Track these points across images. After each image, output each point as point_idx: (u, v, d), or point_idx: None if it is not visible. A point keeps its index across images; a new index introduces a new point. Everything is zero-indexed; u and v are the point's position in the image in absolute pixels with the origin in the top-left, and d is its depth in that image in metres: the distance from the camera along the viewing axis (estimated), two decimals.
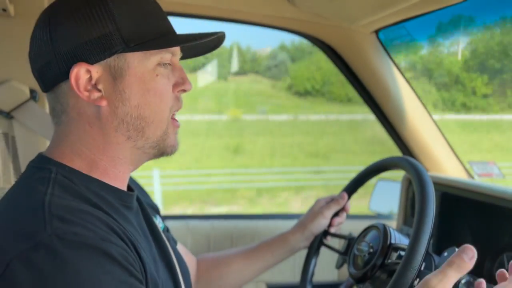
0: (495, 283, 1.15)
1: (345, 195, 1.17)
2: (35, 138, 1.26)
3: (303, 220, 1.17)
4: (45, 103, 1.26)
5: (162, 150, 0.78)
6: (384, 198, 1.86)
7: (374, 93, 1.54)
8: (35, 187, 0.67)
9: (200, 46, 0.81)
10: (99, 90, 0.71)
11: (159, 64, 0.74)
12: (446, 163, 1.58)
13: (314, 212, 1.16)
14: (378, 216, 1.82)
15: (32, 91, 1.23)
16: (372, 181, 1.22)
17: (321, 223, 1.15)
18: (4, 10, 1.13)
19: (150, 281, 0.69)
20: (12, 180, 1.26)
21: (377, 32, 1.43)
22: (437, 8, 1.19)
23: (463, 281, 0.92)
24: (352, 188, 1.16)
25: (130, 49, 0.70)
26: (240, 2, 1.34)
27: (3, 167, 1.25)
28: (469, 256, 0.70)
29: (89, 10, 0.69)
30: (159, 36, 0.73)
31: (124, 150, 0.75)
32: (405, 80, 1.51)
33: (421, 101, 1.55)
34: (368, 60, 1.46)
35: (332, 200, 1.17)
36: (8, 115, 1.22)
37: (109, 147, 0.74)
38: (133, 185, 0.85)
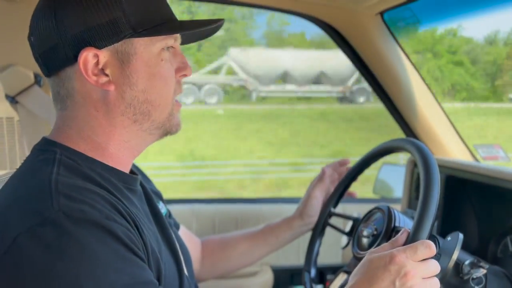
0: (500, 265, 1.16)
1: (325, 170, 1.19)
2: (39, 122, 1.27)
3: (299, 206, 1.19)
4: (49, 88, 1.27)
5: (168, 130, 0.80)
6: (388, 181, 1.87)
7: (379, 76, 1.53)
8: (40, 167, 0.69)
9: (199, 32, 0.82)
10: (107, 75, 0.72)
11: (163, 49, 0.75)
12: (451, 147, 1.57)
13: (306, 197, 1.18)
14: (383, 199, 1.83)
15: (36, 76, 1.24)
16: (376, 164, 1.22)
17: (313, 205, 1.16)
18: None
19: (152, 260, 0.70)
20: (18, 163, 1.27)
21: (382, 13, 1.41)
22: None
23: (466, 262, 0.92)
24: (357, 169, 1.16)
25: (138, 35, 0.72)
26: None
27: (9, 150, 1.26)
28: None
29: None
30: (164, 22, 0.74)
31: (130, 133, 0.76)
32: (411, 63, 1.50)
33: (426, 84, 1.54)
34: (373, 43, 1.44)
35: (318, 179, 1.19)
36: (13, 100, 1.23)
37: (115, 131, 0.75)
38: (136, 171, 0.86)
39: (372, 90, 1.60)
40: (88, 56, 0.70)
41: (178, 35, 0.78)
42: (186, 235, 1.12)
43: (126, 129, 0.76)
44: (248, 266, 1.23)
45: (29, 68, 1.23)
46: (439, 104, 1.56)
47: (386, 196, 1.85)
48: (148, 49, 0.73)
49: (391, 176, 1.85)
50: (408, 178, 1.53)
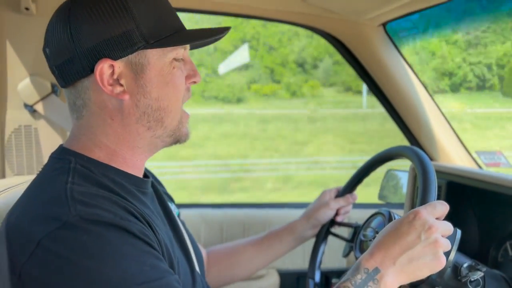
0: (500, 270, 1.18)
1: (355, 196, 1.21)
2: (56, 129, 1.33)
3: (310, 210, 1.21)
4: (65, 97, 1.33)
5: (178, 138, 0.83)
6: (393, 187, 1.89)
7: (382, 85, 1.57)
8: (56, 176, 0.72)
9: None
10: (121, 85, 0.75)
11: (174, 58, 0.78)
12: (453, 153, 1.60)
13: (321, 203, 1.20)
14: (387, 205, 1.86)
15: (53, 86, 1.30)
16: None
17: (327, 214, 1.19)
18: (27, 9, 1.19)
19: (166, 257, 0.74)
20: (35, 169, 1.33)
21: (384, 25, 1.45)
22: (443, 2, 1.21)
23: (465, 265, 0.95)
24: (358, 178, 1.20)
25: (150, 46, 0.75)
26: None
27: (27, 157, 1.32)
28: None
29: (109, 8, 0.73)
30: (174, 33, 0.78)
31: (144, 139, 0.80)
32: (412, 72, 1.53)
33: (428, 92, 1.57)
34: (376, 53, 1.48)
35: (339, 193, 1.22)
36: (32, 108, 1.29)
37: (129, 138, 0.79)
38: (148, 174, 0.90)
39: (376, 98, 1.64)
40: (104, 67, 0.73)
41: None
42: None
43: (140, 136, 0.79)
44: (253, 273, 1.24)
45: (46, 78, 1.29)
46: (441, 111, 1.59)
47: (391, 202, 1.87)
48: (161, 59, 0.77)
49: (396, 182, 1.87)
50: (411, 184, 1.56)
